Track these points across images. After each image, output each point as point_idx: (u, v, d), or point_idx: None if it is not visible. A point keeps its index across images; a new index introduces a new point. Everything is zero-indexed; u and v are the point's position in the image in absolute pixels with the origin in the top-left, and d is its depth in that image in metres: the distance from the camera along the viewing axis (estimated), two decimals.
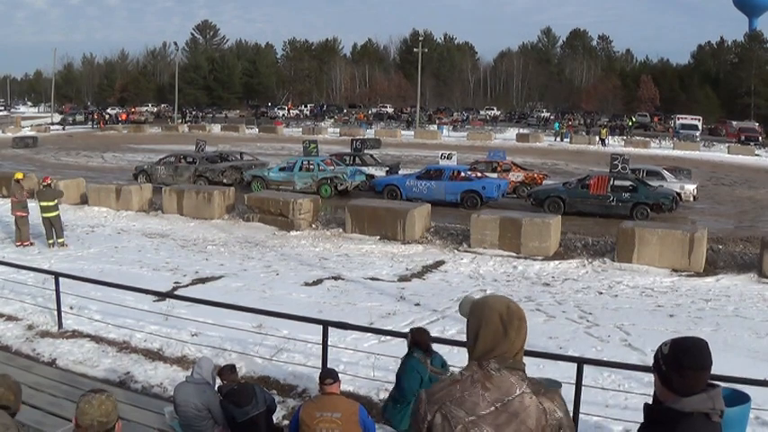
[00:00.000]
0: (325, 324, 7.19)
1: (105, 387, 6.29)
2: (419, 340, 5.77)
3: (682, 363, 2.41)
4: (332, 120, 70.70)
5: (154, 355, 8.49)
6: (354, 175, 23.41)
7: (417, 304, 10.79)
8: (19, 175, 16.14)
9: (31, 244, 14.84)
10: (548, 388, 2.32)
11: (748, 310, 10.64)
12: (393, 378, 7.56)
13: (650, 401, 2.58)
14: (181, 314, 9.50)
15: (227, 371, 5.92)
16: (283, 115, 74.62)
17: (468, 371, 2.30)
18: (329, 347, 7.12)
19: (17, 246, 14.71)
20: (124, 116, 71.10)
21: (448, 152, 24.93)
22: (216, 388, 5.93)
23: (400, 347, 8.16)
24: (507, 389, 2.23)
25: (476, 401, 2.21)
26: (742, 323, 9.96)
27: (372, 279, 12.37)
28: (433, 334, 9.12)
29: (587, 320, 10.04)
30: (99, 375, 7.90)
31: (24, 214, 14.84)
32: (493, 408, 2.20)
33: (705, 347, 2.45)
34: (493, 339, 2.29)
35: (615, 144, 46.74)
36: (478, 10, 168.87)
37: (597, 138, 47.66)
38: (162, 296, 10.02)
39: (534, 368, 6.58)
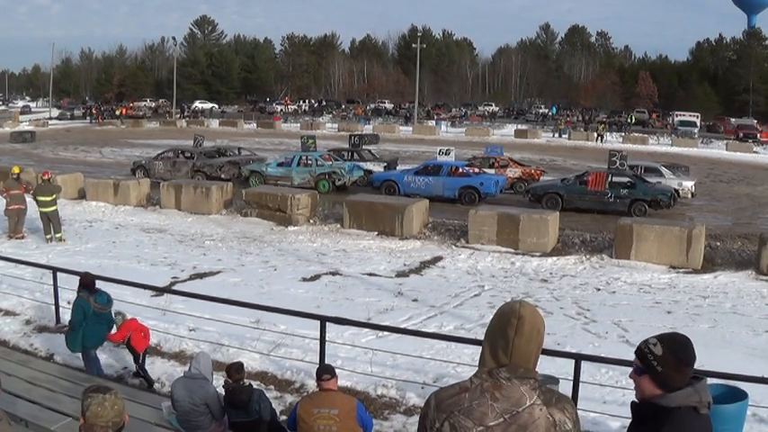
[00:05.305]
0: (323, 319, 7.20)
1: (103, 382, 6.29)
2: (85, 282, 7.48)
3: (681, 360, 2.40)
4: (330, 115, 70.51)
5: (151, 350, 8.46)
6: (352, 171, 23.38)
7: (415, 300, 10.80)
8: (16, 170, 16.13)
9: (23, 237, 14.85)
10: (560, 397, 2.28)
11: (746, 307, 10.67)
12: (390, 373, 7.64)
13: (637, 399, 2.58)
14: (178, 309, 9.52)
15: (233, 370, 5.89)
16: (281, 110, 74.47)
17: (477, 379, 2.25)
18: (327, 343, 7.13)
19: (10, 237, 14.77)
20: (124, 110, 70.91)
21: (446, 148, 24.92)
22: (223, 383, 5.94)
23: (398, 343, 8.20)
24: (517, 399, 2.19)
25: (484, 412, 2.19)
26: (740, 320, 9.98)
27: (370, 274, 12.38)
28: (431, 329, 9.20)
29: (585, 317, 10.06)
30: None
31: (22, 207, 14.88)
32: (501, 419, 2.17)
33: (690, 340, 2.48)
34: (492, 339, 2.26)
35: (613, 140, 46.70)
36: (477, 6, 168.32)
37: (595, 134, 47.60)
38: (160, 291, 10.03)
39: None
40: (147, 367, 7.92)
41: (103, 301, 7.51)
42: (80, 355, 7.69)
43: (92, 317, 7.35)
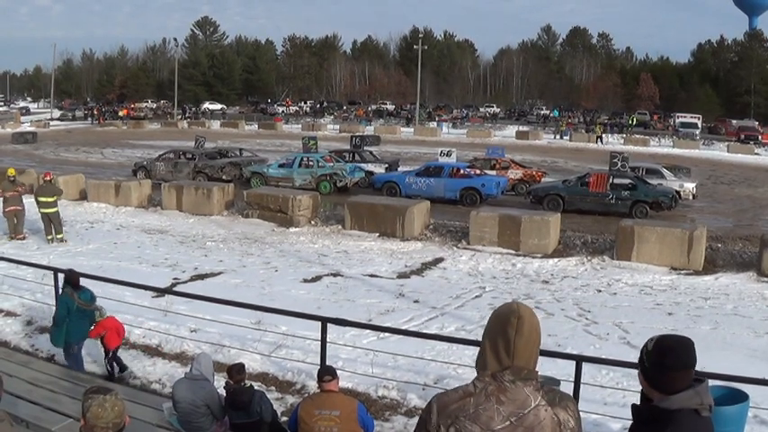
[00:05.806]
0: (324, 321, 7.20)
1: (103, 383, 6.29)
2: (70, 279, 7.74)
3: (665, 362, 2.37)
4: (331, 116, 70.53)
5: (153, 351, 8.51)
6: (354, 172, 23.38)
7: (416, 301, 10.80)
8: (12, 172, 16.10)
9: (24, 237, 14.86)
10: (562, 396, 2.29)
11: (747, 308, 10.66)
12: (392, 375, 7.64)
13: (639, 401, 2.56)
14: (180, 310, 9.52)
15: (234, 371, 5.90)
16: (283, 112, 74.49)
17: (481, 383, 2.24)
18: (328, 344, 7.12)
19: (11, 238, 14.77)
20: (126, 111, 71.00)
21: (447, 149, 24.88)
22: (224, 384, 5.95)
23: (399, 344, 8.20)
24: (522, 402, 2.19)
25: (491, 416, 2.18)
26: (741, 322, 9.97)
27: (371, 276, 12.38)
28: (432, 331, 9.20)
29: (586, 318, 10.06)
30: (98, 371, 7.92)
31: (19, 208, 14.90)
32: (508, 422, 2.17)
33: (689, 346, 2.41)
34: (492, 340, 2.26)
35: (614, 142, 46.67)
36: (479, 7, 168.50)
37: (594, 136, 47.55)
38: (161, 292, 10.04)
39: None
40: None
41: (87, 298, 7.76)
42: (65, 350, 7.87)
43: (75, 313, 7.60)
